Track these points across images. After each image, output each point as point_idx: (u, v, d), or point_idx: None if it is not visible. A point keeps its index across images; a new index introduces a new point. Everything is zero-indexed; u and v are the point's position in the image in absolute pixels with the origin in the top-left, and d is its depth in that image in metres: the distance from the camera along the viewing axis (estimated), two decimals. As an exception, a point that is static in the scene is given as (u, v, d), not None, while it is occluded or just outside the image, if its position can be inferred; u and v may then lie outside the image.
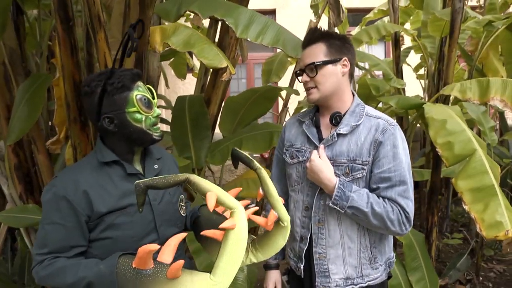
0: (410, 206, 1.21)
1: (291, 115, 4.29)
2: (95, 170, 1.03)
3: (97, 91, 0.99)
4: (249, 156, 1.00)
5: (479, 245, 3.03)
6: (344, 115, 1.27)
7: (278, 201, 1.00)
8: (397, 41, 3.20)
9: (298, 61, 3.53)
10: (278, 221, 1.01)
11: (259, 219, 0.99)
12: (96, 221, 0.99)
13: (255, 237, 1.07)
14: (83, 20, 2.20)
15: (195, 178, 0.85)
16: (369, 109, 1.30)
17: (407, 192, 1.21)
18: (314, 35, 1.27)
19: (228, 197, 0.85)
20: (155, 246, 0.75)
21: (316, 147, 1.27)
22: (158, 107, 1.20)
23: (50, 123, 2.82)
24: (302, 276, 1.34)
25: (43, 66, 2.53)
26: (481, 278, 3.12)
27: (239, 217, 0.84)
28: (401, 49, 3.44)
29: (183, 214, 1.15)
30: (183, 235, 0.80)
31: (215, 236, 0.86)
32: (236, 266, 0.82)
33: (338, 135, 1.25)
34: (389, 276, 1.37)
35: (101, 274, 0.85)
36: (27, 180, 2.19)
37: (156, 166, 1.11)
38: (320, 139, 1.30)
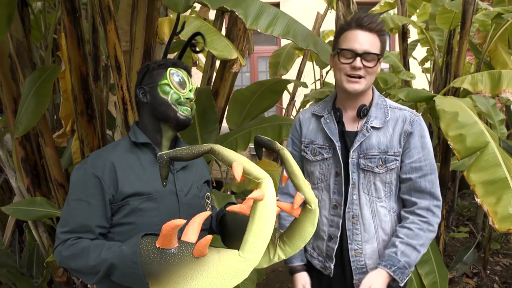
0: (438, 192, 1.24)
1: (297, 108, 4.27)
2: (127, 151, 1.03)
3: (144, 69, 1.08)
4: (270, 139, 0.93)
5: (487, 239, 3.02)
6: (369, 107, 1.26)
7: (304, 182, 0.90)
8: (404, 33, 3.16)
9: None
10: (304, 205, 0.91)
11: (284, 205, 0.91)
12: (120, 203, 0.97)
13: (282, 231, 0.99)
14: (89, 11, 2.18)
15: (220, 148, 0.80)
16: (388, 101, 1.29)
17: (436, 180, 1.24)
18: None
19: (254, 167, 0.79)
20: (180, 221, 0.70)
21: (339, 143, 1.25)
22: None
23: (55, 116, 2.81)
24: (331, 275, 1.31)
25: (48, 59, 2.50)
26: (488, 272, 3.11)
27: (267, 188, 0.77)
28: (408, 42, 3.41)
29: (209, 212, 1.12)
30: (207, 213, 0.75)
31: (242, 210, 0.81)
32: (266, 240, 0.76)
33: (372, 128, 1.24)
34: None
35: (123, 255, 0.81)
36: (34, 173, 2.17)
37: None
38: (344, 132, 1.27)
